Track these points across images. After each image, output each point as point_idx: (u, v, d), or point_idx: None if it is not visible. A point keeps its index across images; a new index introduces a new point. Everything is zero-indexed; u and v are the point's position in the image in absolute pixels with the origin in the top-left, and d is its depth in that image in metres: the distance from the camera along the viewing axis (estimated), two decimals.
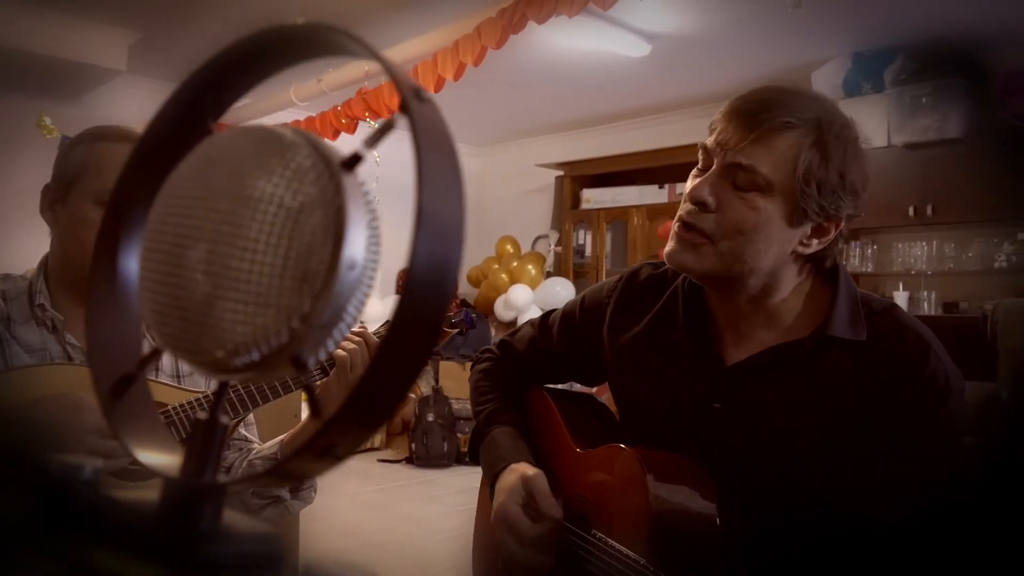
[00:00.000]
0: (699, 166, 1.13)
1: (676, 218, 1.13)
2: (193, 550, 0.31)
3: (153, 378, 1.39)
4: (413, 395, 6.03)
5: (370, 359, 1.39)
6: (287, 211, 0.31)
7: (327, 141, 0.33)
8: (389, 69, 0.32)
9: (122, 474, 1.06)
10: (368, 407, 0.30)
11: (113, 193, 0.40)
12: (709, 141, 1.11)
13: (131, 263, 0.40)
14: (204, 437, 0.34)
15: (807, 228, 1.09)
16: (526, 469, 1.26)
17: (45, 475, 0.35)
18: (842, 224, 1.10)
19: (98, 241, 0.40)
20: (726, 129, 1.08)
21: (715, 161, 1.09)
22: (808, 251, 1.11)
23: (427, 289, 0.29)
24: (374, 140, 0.33)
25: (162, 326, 0.34)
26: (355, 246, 0.31)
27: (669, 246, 1.13)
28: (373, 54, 0.32)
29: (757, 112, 1.06)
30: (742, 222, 1.06)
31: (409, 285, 0.29)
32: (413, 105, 0.30)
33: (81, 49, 4.63)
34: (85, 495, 0.34)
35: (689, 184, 1.13)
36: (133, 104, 5.34)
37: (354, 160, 0.33)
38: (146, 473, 1.10)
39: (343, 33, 0.33)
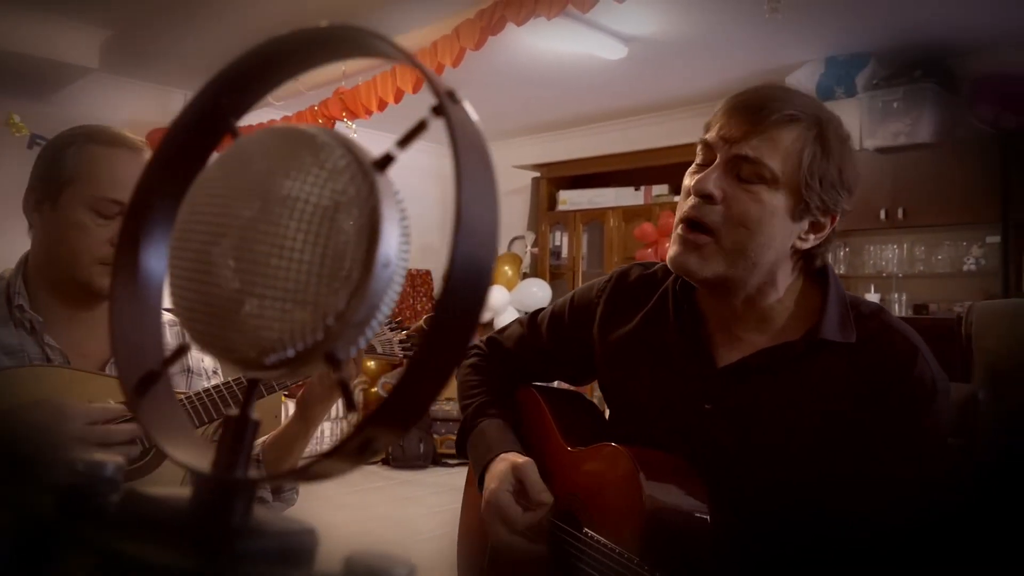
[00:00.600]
0: (698, 162, 1.13)
1: (677, 220, 1.13)
2: (226, 545, 0.32)
3: None
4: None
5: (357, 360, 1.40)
6: (323, 210, 0.32)
7: (358, 142, 0.34)
8: (424, 72, 0.32)
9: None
10: (407, 402, 0.31)
11: (135, 193, 0.40)
12: (710, 136, 1.11)
13: (153, 263, 0.40)
14: (236, 433, 0.34)
15: (806, 223, 1.11)
16: (516, 458, 1.25)
17: (69, 472, 0.35)
18: (837, 219, 1.12)
19: (120, 241, 0.40)
20: (729, 123, 1.09)
21: (718, 155, 1.09)
22: (806, 246, 1.13)
23: (465, 288, 0.30)
24: (406, 140, 0.33)
25: (193, 323, 0.34)
26: (389, 244, 0.32)
27: (673, 250, 1.12)
28: (407, 57, 0.33)
29: (761, 106, 1.07)
30: (747, 215, 1.07)
31: (448, 284, 0.29)
32: (449, 107, 0.31)
33: (52, 46, 4.56)
34: (115, 491, 0.34)
35: (688, 180, 1.13)
36: (105, 102, 5.28)
37: (386, 160, 0.33)
38: (144, 471, 1.09)
39: (374, 35, 0.34)
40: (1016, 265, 4.24)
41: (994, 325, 1.64)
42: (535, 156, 6.93)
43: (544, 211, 6.79)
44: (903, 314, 4.72)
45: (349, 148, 0.33)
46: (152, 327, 0.40)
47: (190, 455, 0.35)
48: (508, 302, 6.44)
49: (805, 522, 1.06)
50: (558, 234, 6.80)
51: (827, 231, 1.13)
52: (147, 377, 0.38)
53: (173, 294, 0.35)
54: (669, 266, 1.15)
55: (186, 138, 0.39)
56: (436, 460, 5.78)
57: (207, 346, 0.34)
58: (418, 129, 0.33)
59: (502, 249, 7.13)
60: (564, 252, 6.75)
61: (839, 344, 1.09)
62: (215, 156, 0.37)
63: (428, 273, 7.22)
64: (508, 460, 1.25)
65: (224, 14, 4.29)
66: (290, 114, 5.40)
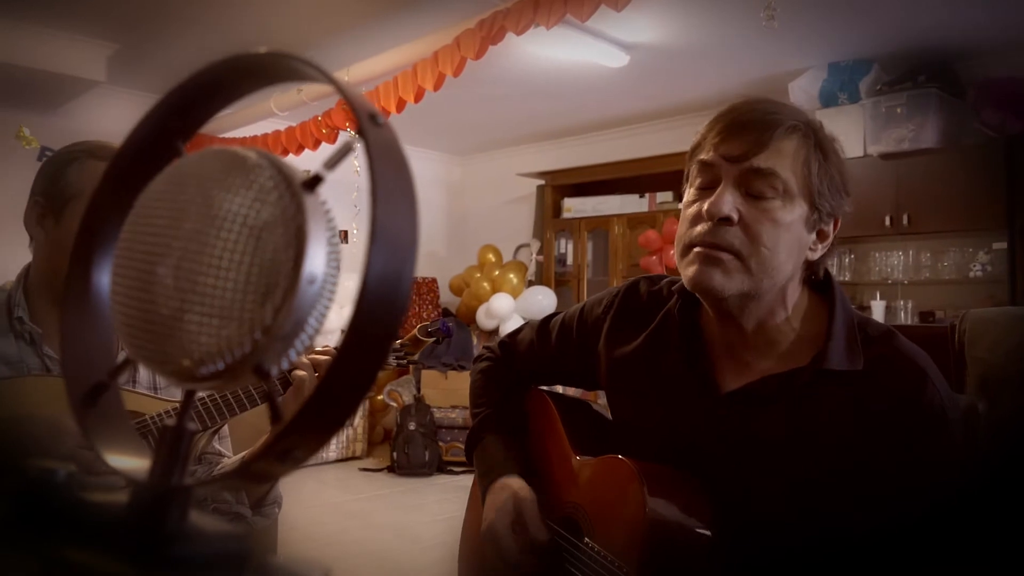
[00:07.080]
0: (697, 185, 1.10)
1: (687, 242, 1.08)
2: (160, 549, 0.33)
3: (131, 388, 1.40)
4: (395, 404, 6.03)
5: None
6: (250, 229, 0.33)
7: (289, 163, 0.36)
8: (345, 94, 0.34)
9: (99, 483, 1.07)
10: (324, 413, 0.32)
11: (86, 210, 0.42)
12: (708, 156, 1.08)
13: (104, 277, 0.42)
14: (171, 442, 0.36)
15: (815, 233, 1.09)
16: (518, 489, 1.26)
17: (22, 479, 0.37)
18: (839, 223, 1.11)
19: (72, 256, 0.42)
20: (730, 141, 1.06)
21: (722, 175, 1.06)
22: (815, 256, 1.11)
23: (380, 301, 0.31)
24: (334, 162, 0.35)
25: (132, 337, 0.36)
26: (315, 262, 0.34)
27: (692, 269, 1.07)
28: (330, 80, 0.34)
29: (760, 120, 1.05)
30: (767, 231, 1.04)
31: (363, 297, 0.31)
32: (368, 129, 0.33)
33: (60, 60, 4.62)
34: (59, 497, 0.36)
35: (693, 204, 1.09)
36: (112, 114, 5.34)
37: (315, 181, 0.35)
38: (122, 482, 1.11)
39: (302, 61, 0.36)
40: (1023, 271, 4.21)
41: (986, 334, 1.64)
42: (539, 164, 6.96)
43: (549, 219, 6.81)
44: (909, 321, 4.69)
45: (279, 169, 0.35)
46: (103, 340, 0.41)
47: (129, 463, 0.37)
48: (513, 310, 6.46)
49: (809, 549, 1.03)
50: (563, 241, 6.82)
51: (831, 238, 1.11)
52: (96, 388, 0.39)
53: (115, 310, 0.37)
54: (689, 287, 1.10)
55: (136, 159, 0.41)
56: (441, 467, 5.79)
57: (145, 359, 0.36)
58: (344, 152, 0.35)
59: (508, 256, 7.15)
60: (569, 259, 6.76)
61: (846, 372, 1.05)
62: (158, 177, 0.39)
63: (434, 280, 7.25)
64: (511, 489, 1.27)
65: (229, 27, 4.33)
66: (294, 124, 5.44)
